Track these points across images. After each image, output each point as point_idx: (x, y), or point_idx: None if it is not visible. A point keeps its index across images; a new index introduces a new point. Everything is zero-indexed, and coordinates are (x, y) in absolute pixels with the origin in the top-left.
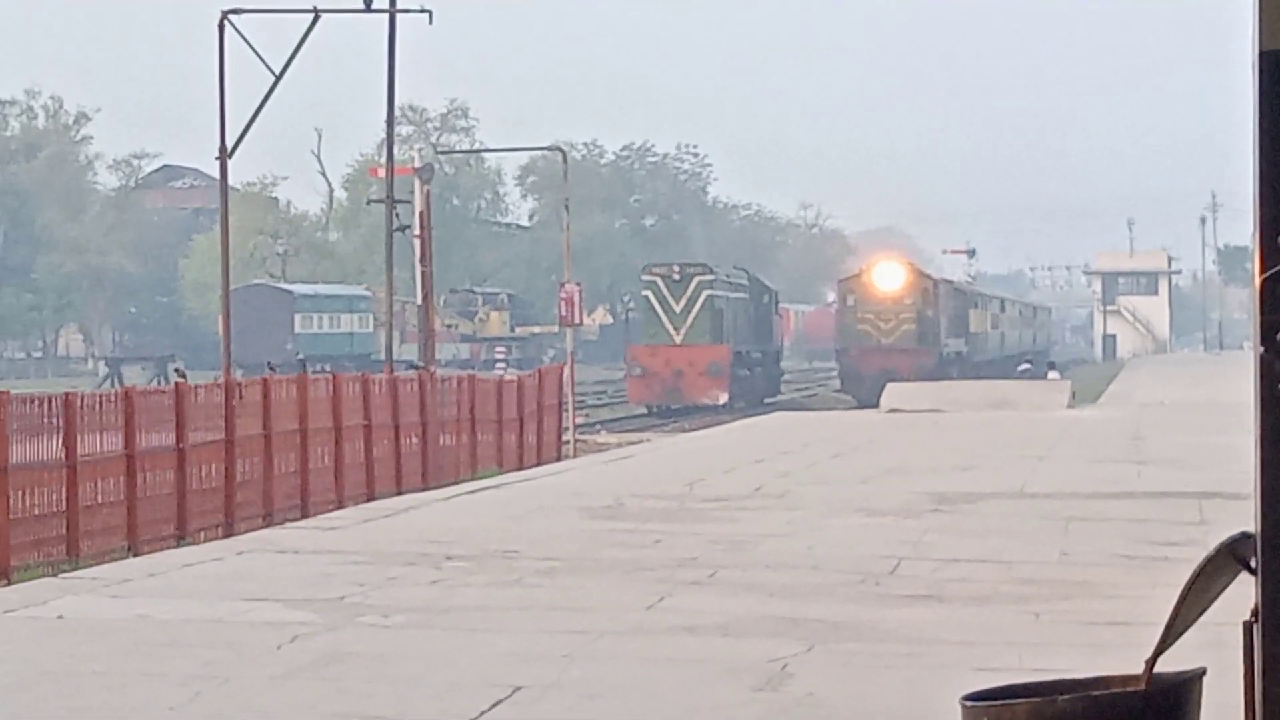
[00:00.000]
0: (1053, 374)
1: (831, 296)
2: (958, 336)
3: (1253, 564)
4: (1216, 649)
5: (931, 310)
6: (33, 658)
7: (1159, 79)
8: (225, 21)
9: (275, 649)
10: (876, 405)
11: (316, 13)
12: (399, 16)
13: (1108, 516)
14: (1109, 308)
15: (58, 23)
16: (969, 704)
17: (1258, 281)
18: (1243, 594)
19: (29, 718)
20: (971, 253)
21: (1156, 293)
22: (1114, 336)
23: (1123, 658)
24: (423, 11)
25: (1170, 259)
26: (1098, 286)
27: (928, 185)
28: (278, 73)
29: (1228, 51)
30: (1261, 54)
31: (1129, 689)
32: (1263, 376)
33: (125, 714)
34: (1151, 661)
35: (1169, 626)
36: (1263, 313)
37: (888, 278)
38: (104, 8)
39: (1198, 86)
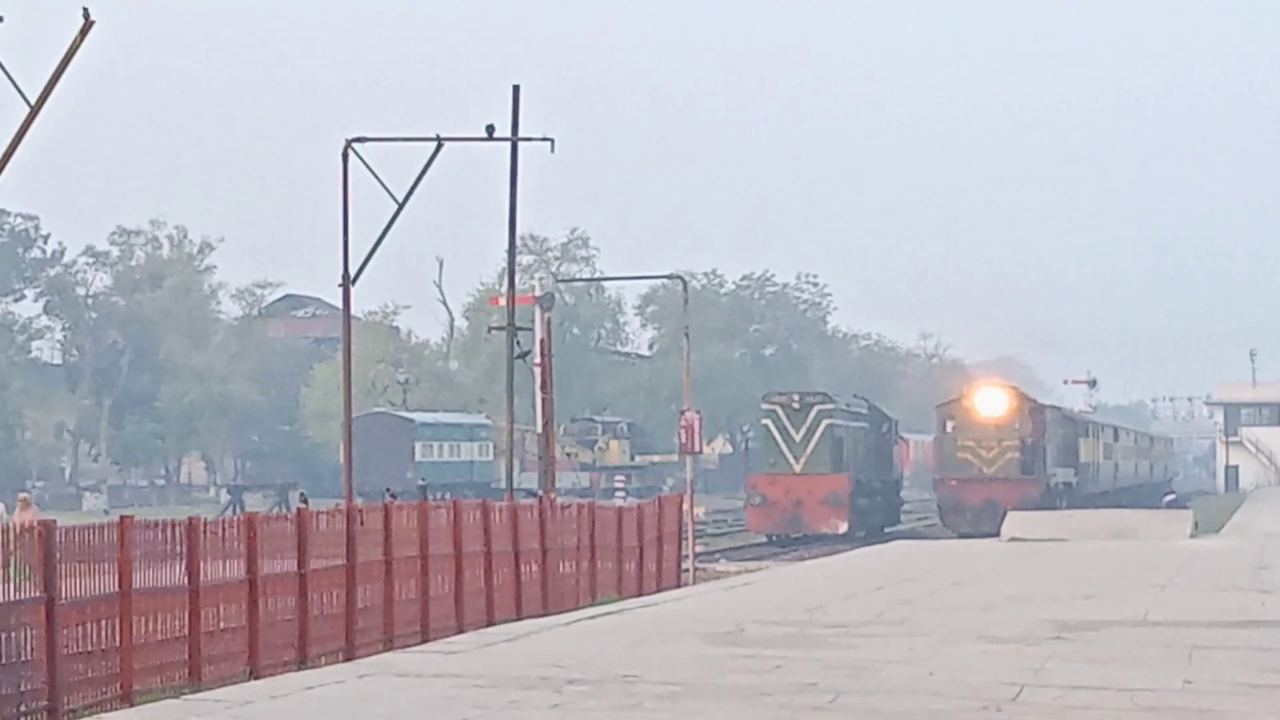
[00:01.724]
0: (1169, 498)
1: None
2: (1066, 466)
3: None
4: None
5: (1037, 438)
6: None
7: None
8: (349, 150)
9: None
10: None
11: (440, 140)
12: (521, 145)
13: (1231, 645)
14: (1231, 439)
15: (184, 152)
16: None
17: None
18: None
19: None
20: (1093, 383)
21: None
22: (1236, 467)
23: None
24: (545, 140)
25: None
26: (1219, 417)
27: (1049, 315)
28: (400, 201)
29: None
30: None
31: None
32: None
33: None
34: None
35: None
36: None
37: (990, 403)
38: (229, 138)
39: None
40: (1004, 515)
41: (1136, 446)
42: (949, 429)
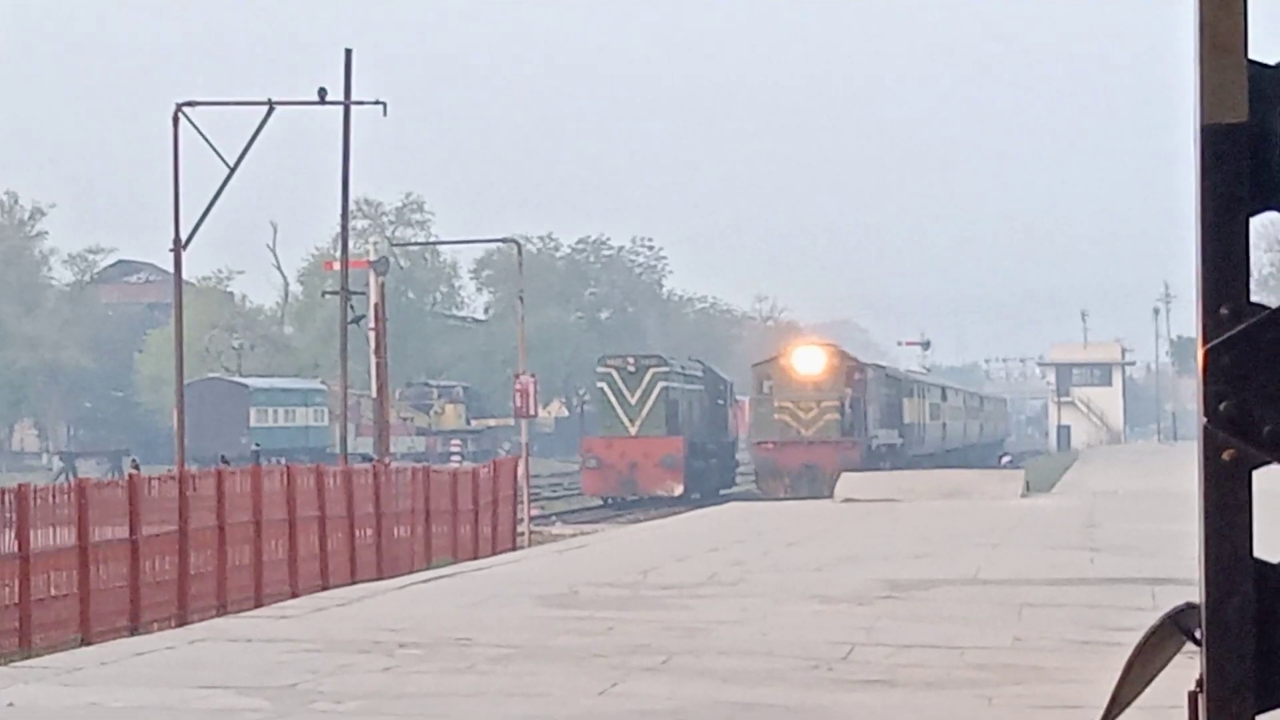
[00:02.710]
0: (1005, 459)
1: None
2: (890, 427)
3: (1197, 635)
4: None
5: (858, 398)
6: None
7: (1112, 171)
8: (180, 115)
9: None
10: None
11: (271, 104)
12: (354, 109)
13: (1060, 603)
14: (1063, 399)
15: (11, 116)
16: None
17: (1200, 353)
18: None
19: None
20: (926, 345)
21: (1110, 384)
22: (1068, 427)
23: None
24: (377, 103)
25: (1124, 351)
26: (1052, 378)
27: (883, 278)
28: (232, 165)
29: (1177, 139)
30: (1201, 128)
31: None
32: (1205, 446)
33: None
34: None
35: (1113, 698)
36: (1205, 383)
37: (808, 362)
38: (57, 103)
39: (1150, 177)
40: (824, 480)
41: (966, 407)
42: (765, 389)
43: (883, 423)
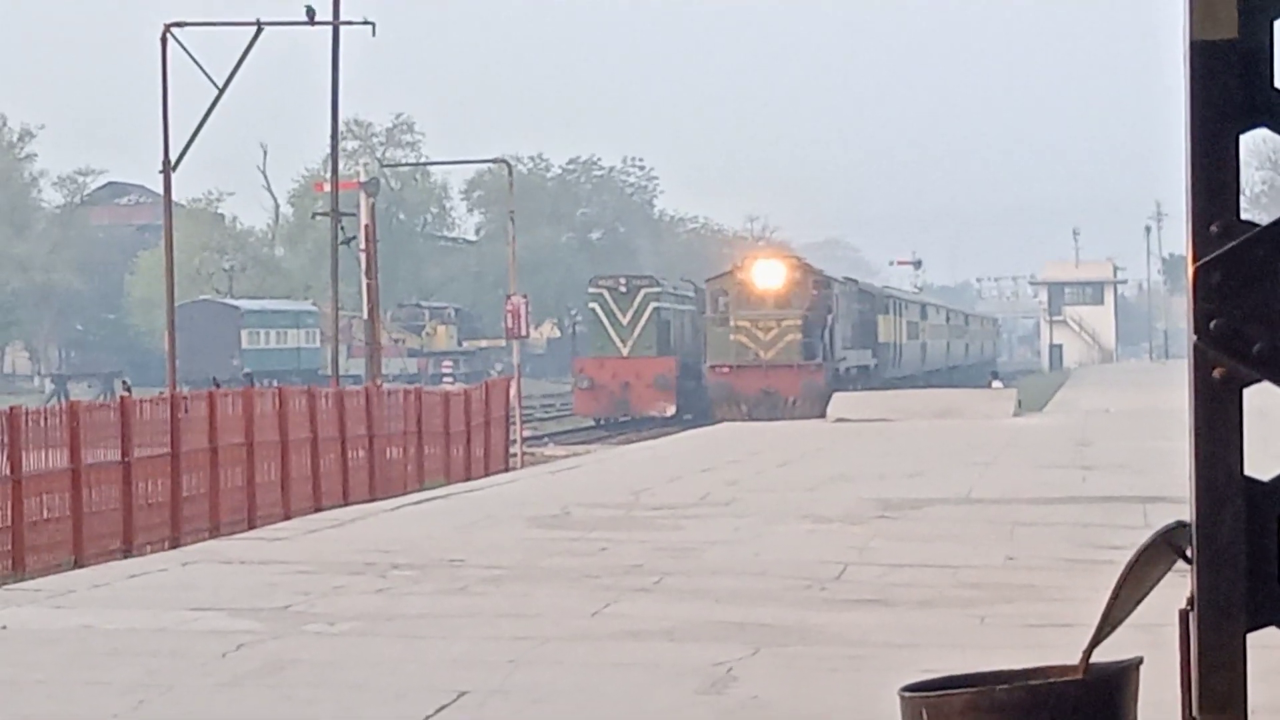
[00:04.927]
0: (996, 384)
1: None
2: (862, 348)
3: (1188, 552)
4: (1156, 648)
5: (822, 316)
6: None
7: (1103, 86)
8: (168, 35)
9: (220, 657)
10: None
11: (259, 25)
12: (343, 30)
13: (1052, 521)
14: (1055, 318)
15: (1, 39)
16: (907, 695)
17: (1190, 271)
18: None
19: None
20: (918, 263)
21: (1102, 302)
22: (1060, 346)
23: (1066, 659)
24: (366, 23)
25: (1116, 269)
26: (1044, 297)
27: (875, 197)
28: (221, 86)
29: (1168, 54)
30: (1191, 44)
31: (1066, 679)
32: (1196, 364)
33: None
34: (1088, 651)
35: (1105, 616)
36: (1195, 301)
37: (767, 276)
38: (46, 24)
39: (1141, 93)
40: (785, 408)
41: (949, 325)
42: (721, 307)
43: (854, 343)
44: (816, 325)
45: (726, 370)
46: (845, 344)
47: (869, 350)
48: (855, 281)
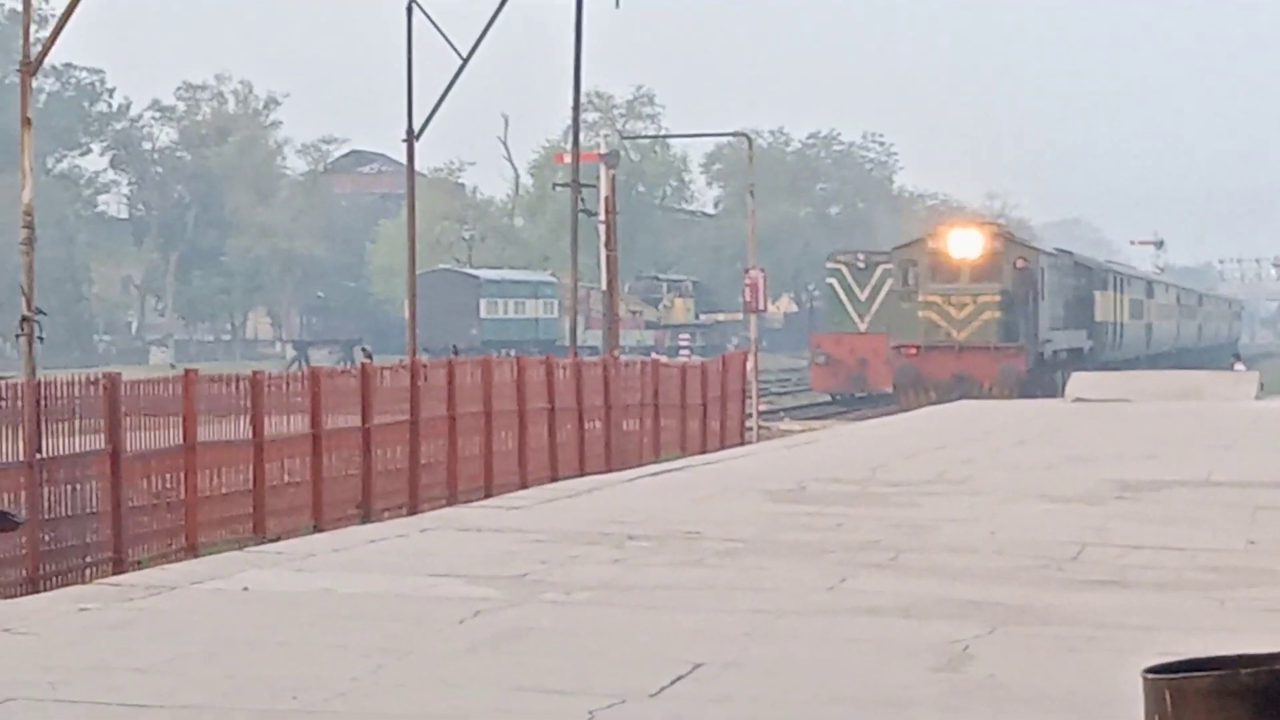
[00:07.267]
0: (1238, 366)
1: None
2: (1075, 328)
3: None
4: None
5: (1026, 292)
6: (219, 628)
7: None
8: (413, 5)
9: (458, 623)
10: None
11: None
12: (586, 1)
13: None
14: None
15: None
16: (1151, 677)
17: None
18: None
19: (216, 686)
20: (1160, 244)
21: None
22: None
23: None
24: None
25: None
26: None
27: (1117, 176)
28: (465, 56)
29: None
30: None
31: None
32: None
33: (309, 684)
34: None
35: None
36: None
37: (963, 246)
38: None
39: None
40: (980, 397)
41: (1180, 305)
42: (910, 280)
43: (1065, 322)
44: (1019, 302)
45: (914, 352)
46: (1054, 324)
47: (1084, 331)
48: (1070, 253)
